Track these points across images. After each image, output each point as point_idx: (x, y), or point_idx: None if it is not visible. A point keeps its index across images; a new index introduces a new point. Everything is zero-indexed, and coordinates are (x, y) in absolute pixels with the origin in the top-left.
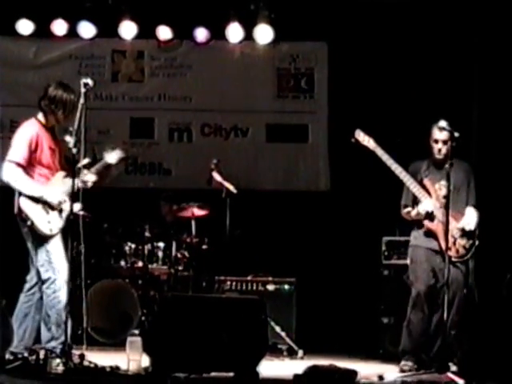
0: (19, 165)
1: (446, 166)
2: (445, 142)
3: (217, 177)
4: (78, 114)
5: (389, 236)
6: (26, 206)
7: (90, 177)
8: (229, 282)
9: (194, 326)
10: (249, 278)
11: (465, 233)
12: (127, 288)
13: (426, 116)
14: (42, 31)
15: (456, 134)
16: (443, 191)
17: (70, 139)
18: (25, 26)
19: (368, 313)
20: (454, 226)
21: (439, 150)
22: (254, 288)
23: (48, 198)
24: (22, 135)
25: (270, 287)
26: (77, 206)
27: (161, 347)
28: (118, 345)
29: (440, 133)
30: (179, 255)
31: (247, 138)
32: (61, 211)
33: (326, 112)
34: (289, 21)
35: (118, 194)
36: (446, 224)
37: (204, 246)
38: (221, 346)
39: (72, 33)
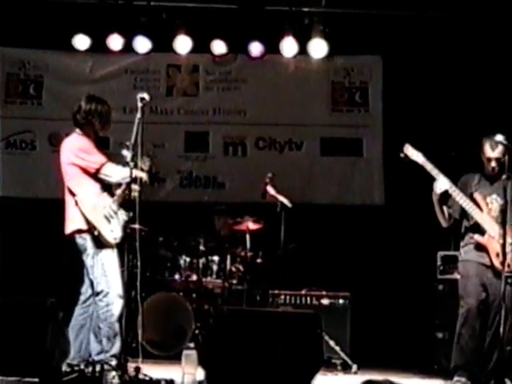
0: (107, 162)
1: (503, 178)
2: (498, 160)
3: (271, 190)
4: (134, 129)
5: (444, 250)
6: (91, 216)
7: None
8: (283, 296)
9: (249, 340)
10: (303, 292)
11: None
12: (181, 301)
13: (481, 129)
14: (98, 46)
15: None
16: (495, 205)
17: (126, 153)
18: (81, 41)
19: (422, 327)
20: (506, 241)
21: (493, 169)
22: (309, 302)
23: (112, 206)
24: (86, 147)
25: (325, 301)
26: (127, 215)
27: (216, 361)
28: (173, 358)
29: (493, 151)
30: (233, 269)
31: (302, 152)
32: (119, 220)
33: (380, 126)
34: (343, 35)
35: (172, 207)
36: (504, 239)
37: (258, 260)
38: (275, 361)
39: (128, 47)
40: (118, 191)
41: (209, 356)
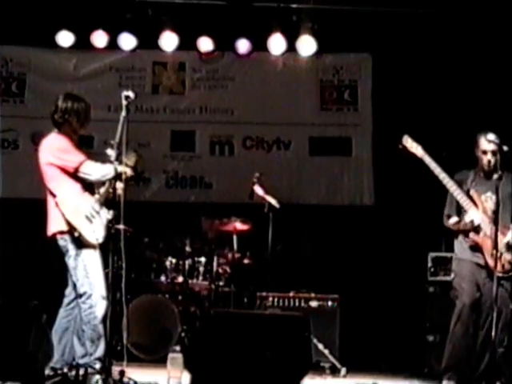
0: (85, 160)
1: (494, 177)
2: (494, 153)
3: (259, 191)
4: (119, 128)
5: (435, 252)
6: (71, 216)
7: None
8: (271, 298)
9: (236, 343)
10: (291, 294)
11: (511, 248)
12: (167, 304)
13: (472, 128)
14: (83, 43)
15: (505, 148)
16: (490, 203)
17: (111, 152)
18: (65, 38)
19: (413, 330)
20: (500, 241)
21: (489, 162)
22: (297, 304)
23: (94, 206)
24: (65, 146)
25: (313, 304)
26: (110, 214)
27: (202, 365)
28: (158, 361)
29: (489, 144)
30: (220, 270)
31: (290, 151)
32: (101, 220)
33: (370, 125)
34: (332, 32)
35: (158, 208)
36: (495, 239)
37: (246, 261)
38: (263, 364)
39: (112, 44)
40: (102, 190)
41: (195, 359)
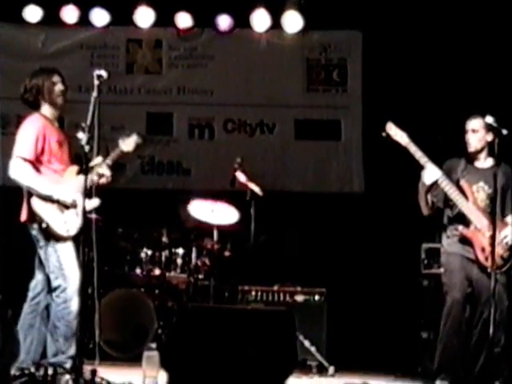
0: (27, 160)
1: (487, 165)
2: (474, 132)
3: (241, 177)
4: (90, 109)
5: (429, 243)
6: (38, 206)
7: (105, 170)
8: (253, 292)
9: (216, 340)
10: (275, 287)
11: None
12: (143, 298)
13: (468, 110)
14: (51, 18)
15: (504, 132)
16: (481, 194)
17: (82, 136)
18: (32, 13)
19: (406, 326)
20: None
21: (468, 142)
22: (281, 299)
23: (61, 197)
24: (27, 129)
25: (299, 298)
26: (95, 202)
27: (180, 363)
28: (133, 360)
29: (469, 122)
30: (199, 263)
31: (274, 135)
32: (76, 210)
33: (360, 107)
34: (319, 7)
35: (133, 195)
36: (493, 235)
37: (226, 253)
38: (245, 362)
39: (83, 20)
40: (80, 177)
41: (172, 357)
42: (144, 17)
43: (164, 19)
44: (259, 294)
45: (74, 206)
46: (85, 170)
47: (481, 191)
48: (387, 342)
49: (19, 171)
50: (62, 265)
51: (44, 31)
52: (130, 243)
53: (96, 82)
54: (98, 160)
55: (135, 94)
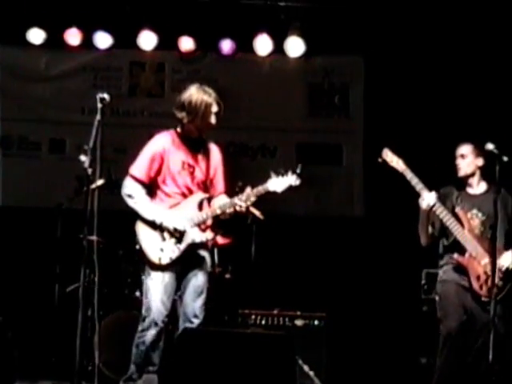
0: (137, 180)
1: (479, 191)
2: (463, 157)
3: None
4: (93, 132)
5: (429, 268)
6: (139, 227)
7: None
8: (253, 316)
9: (215, 364)
10: (275, 311)
11: (500, 272)
12: None
13: (471, 136)
14: (55, 41)
15: (505, 158)
16: (476, 222)
17: (84, 158)
18: (36, 35)
19: (405, 352)
20: (489, 263)
21: (457, 167)
22: (281, 323)
23: (164, 223)
24: (145, 148)
25: (299, 322)
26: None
27: None
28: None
29: (458, 148)
30: None
31: (275, 159)
32: (179, 240)
33: (361, 131)
34: (322, 33)
35: (134, 217)
36: (493, 262)
37: (227, 276)
38: None
39: (87, 43)
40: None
41: (171, 381)
42: (147, 40)
43: (167, 42)
44: (259, 317)
45: (176, 234)
46: (86, 192)
47: (475, 218)
48: (386, 367)
49: (127, 189)
50: (147, 293)
51: (47, 53)
52: (131, 265)
53: (99, 105)
54: (100, 182)
55: (138, 116)
